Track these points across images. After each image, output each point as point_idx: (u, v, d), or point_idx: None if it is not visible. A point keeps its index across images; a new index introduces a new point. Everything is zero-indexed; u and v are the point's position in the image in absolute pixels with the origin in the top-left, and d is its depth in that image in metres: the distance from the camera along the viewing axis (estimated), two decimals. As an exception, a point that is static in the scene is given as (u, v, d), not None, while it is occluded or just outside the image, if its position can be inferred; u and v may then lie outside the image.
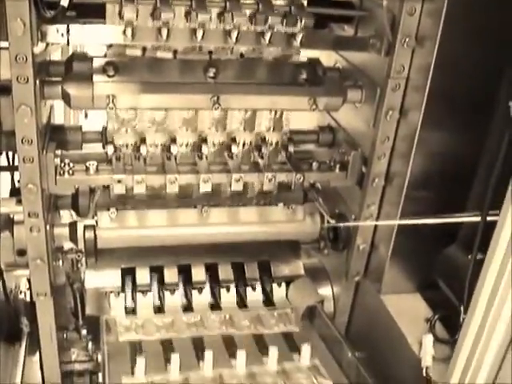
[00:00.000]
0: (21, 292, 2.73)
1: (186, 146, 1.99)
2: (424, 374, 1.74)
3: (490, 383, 1.44)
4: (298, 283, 2.18)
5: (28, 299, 2.63)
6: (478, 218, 1.47)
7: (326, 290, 2.24)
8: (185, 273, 2.12)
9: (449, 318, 1.82)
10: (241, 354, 1.81)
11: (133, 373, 1.76)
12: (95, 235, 1.92)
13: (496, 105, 1.67)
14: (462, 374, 1.48)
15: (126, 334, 1.95)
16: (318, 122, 2.20)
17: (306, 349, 1.87)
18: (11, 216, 1.83)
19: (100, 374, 1.85)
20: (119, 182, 1.77)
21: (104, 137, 1.93)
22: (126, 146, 1.95)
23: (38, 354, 2.31)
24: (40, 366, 2.17)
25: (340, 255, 2.12)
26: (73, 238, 1.93)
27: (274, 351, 1.84)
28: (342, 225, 2.01)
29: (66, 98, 1.72)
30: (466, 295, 1.52)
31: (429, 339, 1.75)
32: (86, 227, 1.92)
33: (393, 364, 1.91)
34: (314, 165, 1.95)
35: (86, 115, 3.47)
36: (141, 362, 1.75)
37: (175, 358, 1.76)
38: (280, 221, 2.08)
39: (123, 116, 1.91)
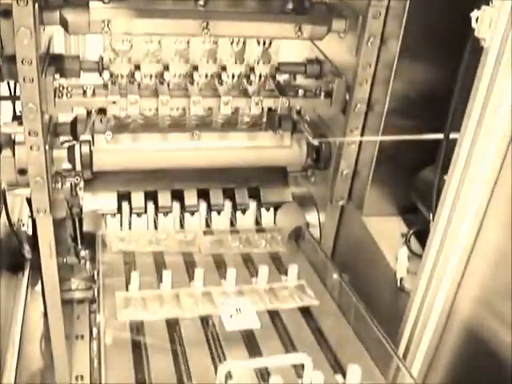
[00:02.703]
0: (23, 224, 2.86)
1: (179, 76, 2.07)
2: (398, 285, 1.85)
3: (455, 287, 1.56)
4: (286, 207, 2.27)
5: (30, 232, 2.75)
6: (441, 136, 1.59)
7: (312, 217, 2.33)
8: (178, 198, 2.21)
9: (424, 235, 1.91)
10: (231, 272, 1.87)
11: (127, 288, 1.83)
12: (91, 150, 2.00)
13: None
14: (429, 279, 1.59)
15: (120, 244, 2.05)
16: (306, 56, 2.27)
17: (292, 269, 1.93)
18: (13, 137, 1.92)
19: (95, 290, 1.91)
20: (114, 103, 1.86)
21: (100, 65, 2.01)
22: (122, 76, 2.04)
23: (40, 284, 2.41)
24: (42, 295, 2.24)
25: (325, 183, 2.22)
26: (71, 159, 2.01)
27: (263, 269, 1.90)
28: (325, 140, 2.11)
29: (64, 23, 1.80)
30: (433, 205, 1.63)
31: (403, 251, 1.86)
32: (81, 142, 1.99)
33: (373, 280, 2.00)
34: (300, 91, 2.03)
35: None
36: (135, 276, 1.81)
37: (167, 274, 1.83)
38: (268, 146, 2.16)
39: (119, 47, 2.00)
